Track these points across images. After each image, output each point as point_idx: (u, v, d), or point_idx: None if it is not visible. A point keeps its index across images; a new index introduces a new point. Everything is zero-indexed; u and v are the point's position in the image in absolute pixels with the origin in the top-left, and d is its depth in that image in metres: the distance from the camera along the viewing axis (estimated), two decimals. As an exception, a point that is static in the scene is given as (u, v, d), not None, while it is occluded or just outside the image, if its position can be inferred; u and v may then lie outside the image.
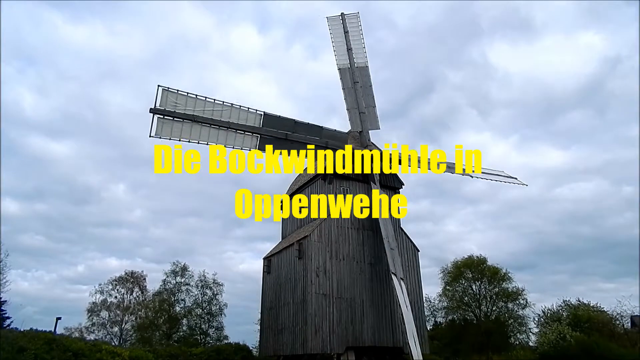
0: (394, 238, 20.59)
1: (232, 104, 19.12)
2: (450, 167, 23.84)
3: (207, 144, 18.52)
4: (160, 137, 17.63)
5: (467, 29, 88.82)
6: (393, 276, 18.56)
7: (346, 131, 23.92)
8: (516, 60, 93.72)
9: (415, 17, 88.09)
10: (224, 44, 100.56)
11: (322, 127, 21.34)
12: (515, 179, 25.40)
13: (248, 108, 19.43)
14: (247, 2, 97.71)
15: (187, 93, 18.24)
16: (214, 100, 18.82)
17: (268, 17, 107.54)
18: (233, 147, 18.98)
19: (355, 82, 23.65)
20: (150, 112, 17.40)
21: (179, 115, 17.96)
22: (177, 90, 17.97)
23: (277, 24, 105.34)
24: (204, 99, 18.58)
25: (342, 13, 25.48)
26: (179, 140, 18.06)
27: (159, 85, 17.45)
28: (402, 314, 17.56)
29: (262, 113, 19.67)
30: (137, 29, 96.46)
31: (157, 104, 17.41)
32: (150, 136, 17.38)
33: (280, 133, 20.00)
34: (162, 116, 17.67)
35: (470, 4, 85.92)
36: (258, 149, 19.39)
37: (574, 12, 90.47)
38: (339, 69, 24.22)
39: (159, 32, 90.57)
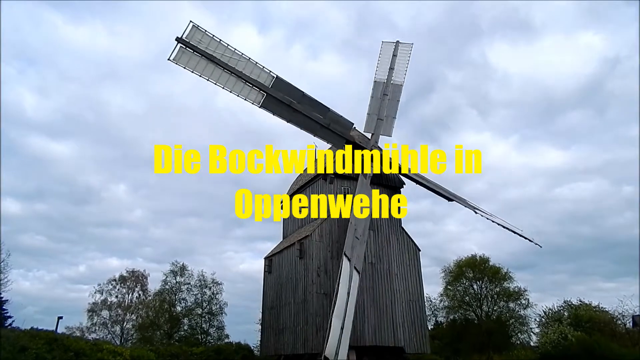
0: (364, 233, 19.67)
1: (249, 57, 19.98)
2: (462, 200, 24.01)
3: (215, 84, 19.38)
4: (176, 63, 18.83)
5: (467, 30, 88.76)
6: (345, 259, 17.71)
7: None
8: (516, 61, 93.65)
9: (415, 18, 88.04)
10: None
11: (329, 108, 21.36)
12: (530, 240, 24.85)
13: (263, 67, 20.18)
14: (247, 2, 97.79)
15: (213, 35, 19.48)
16: (235, 49, 19.80)
17: (268, 18, 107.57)
18: (238, 95, 19.67)
19: (385, 94, 24.32)
20: (175, 40, 18.72)
21: (200, 52, 19.13)
22: (205, 30, 19.31)
23: (277, 24, 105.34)
24: (226, 45, 19.69)
25: (397, 41, 26.64)
26: (192, 72, 19.04)
27: (190, 21, 19.02)
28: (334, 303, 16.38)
29: (275, 75, 20.26)
30: (137, 29, 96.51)
31: (184, 36, 18.80)
32: (168, 59, 18.73)
33: (286, 99, 20.29)
34: (184, 47, 18.95)
35: (470, 4, 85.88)
36: (261, 106, 19.88)
37: (573, 12, 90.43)
38: (375, 81, 25.26)
39: (159, 33, 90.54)
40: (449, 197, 23.67)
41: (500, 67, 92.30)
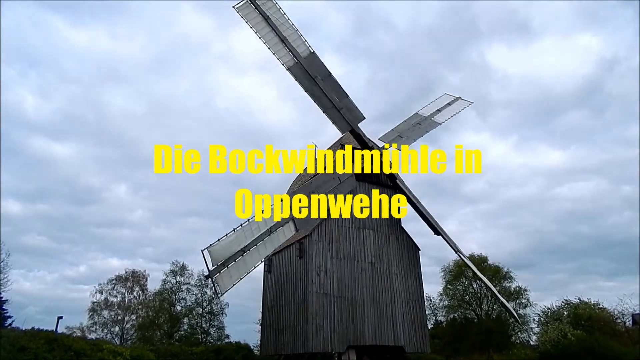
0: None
1: (297, 29, 21.76)
2: (449, 238, 23.12)
3: (260, 37, 20.86)
4: (238, 12, 20.97)
5: (466, 31, 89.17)
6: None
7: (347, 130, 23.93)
8: (514, 62, 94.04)
9: (414, 19, 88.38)
10: (224, 46, 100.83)
11: (348, 95, 22.05)
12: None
13: (305, 40, 21.69)
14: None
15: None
16: (288, 18, 21.67)
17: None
18: (274, 54, 21.02)
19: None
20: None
21: (260, 10, 21.09)
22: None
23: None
24: (282, 12, 21.66)
25: (459, 97, 26.12)
26: (246, 22, 20.96)
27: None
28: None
29: (312, 51, 21.74)
30: (138, 32, 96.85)
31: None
32: (233, 7, 20.71)
33: (312, 72, 21.39)
34: (249, 1, 20.96)
35: (469, 6, 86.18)
36: (288, 69, 21.09)
37: (571, 14, 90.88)
38: (417, 113, 24.59)
39: (160, 35, 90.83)
40: (437, 230, 22.71)
41: (499, 68, 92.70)
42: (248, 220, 17.70)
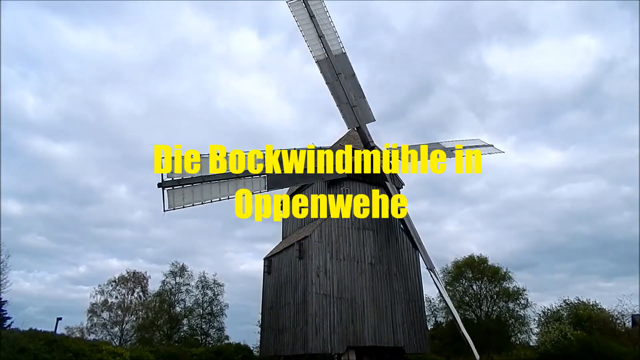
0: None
1: (336, 30, 23.27)
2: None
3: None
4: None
5: (464, 33, 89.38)
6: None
7: (347, 130, 24.00)
8: (513, 63, 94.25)
9: (413, 21, 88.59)
10: (224, 47, 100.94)
11: (365, 96, 23.13)
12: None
13: (340, 40, 22.98)
14: (247, 7, 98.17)
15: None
16: (330, 19, 23.04)
17: (268, 22, 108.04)
18: (308, 45, 22.22)
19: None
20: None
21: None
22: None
23: (277, 29, 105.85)
24: (325, 11, 22.97)
25: None
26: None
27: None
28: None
29: (344, 52, 22.98)
30: (138, 33, 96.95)
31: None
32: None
33: (338, 68, 22.50)
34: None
35: (467, 7, 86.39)
36: (317, 61, 22.24)
37: (569, 16, 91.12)
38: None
39: (160, 36, 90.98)
40: (418, 248, 21.18)
41: (497, 69, 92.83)
42: (225, 157, 18.98)
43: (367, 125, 22.83)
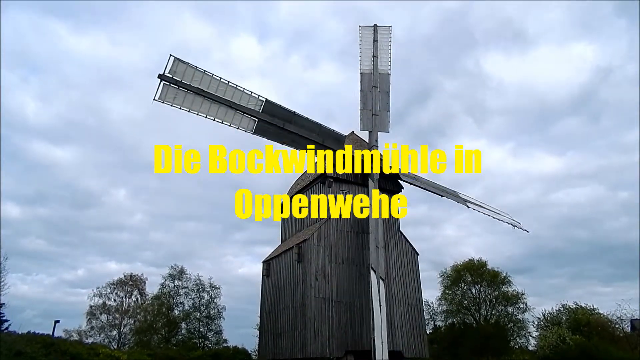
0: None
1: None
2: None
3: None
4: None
5: (462, 40, 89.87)
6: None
7: (347, 133, 23.98)
8: (510, 70, 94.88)
9: (411, 29, 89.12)
10: (224, 53, 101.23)
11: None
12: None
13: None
14: (247, 13, 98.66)
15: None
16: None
17: (267, 28, 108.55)
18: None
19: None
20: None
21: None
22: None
23: (276, 35, 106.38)
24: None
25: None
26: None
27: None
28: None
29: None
30: (139, 39, 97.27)
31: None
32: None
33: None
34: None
35: (465, 15, 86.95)
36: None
37: (565, 24, 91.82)
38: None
39: (160, 42, 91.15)
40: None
41: (495, 76, 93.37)
42: (228, 82, 19.24)
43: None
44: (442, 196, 23.57)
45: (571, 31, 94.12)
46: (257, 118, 19.72)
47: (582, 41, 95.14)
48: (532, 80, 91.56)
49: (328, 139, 21.36)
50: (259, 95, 19.84)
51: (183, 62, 18.41)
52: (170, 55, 18.13)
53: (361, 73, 24.27)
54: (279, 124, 20.13)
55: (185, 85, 18.46)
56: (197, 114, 18.71)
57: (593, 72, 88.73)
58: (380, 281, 18.17)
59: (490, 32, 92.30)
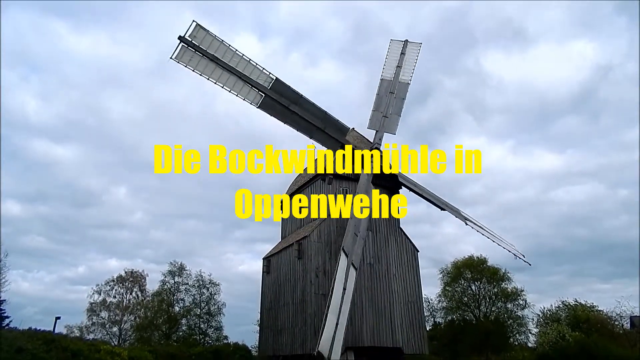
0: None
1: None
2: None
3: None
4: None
5: (462, 39, 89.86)
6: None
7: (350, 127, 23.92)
8: (510, 68, 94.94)
9: (411, 27, 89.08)
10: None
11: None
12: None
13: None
14: (248, 12, 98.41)
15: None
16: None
17: (267, 27, 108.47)
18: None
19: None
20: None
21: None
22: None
23: (277, 33, 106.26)
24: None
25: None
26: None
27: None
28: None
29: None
30: (139, 38, 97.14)
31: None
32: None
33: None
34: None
35: (465, 14, 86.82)
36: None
37: (565, 22, 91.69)
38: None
39: (161, 41, 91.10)
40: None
41: (495, 74, 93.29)
42: (242, 55, 19.77)
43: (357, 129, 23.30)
44: (442, 209, 23.08)
45: (571, 30, 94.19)
46: (264, 93, 20.03)
47: (582, 39, 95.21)
48: (532, 79, 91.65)
49: (331, 127, 21.36)
50: (269, 73, 20.14)
51: (204, 29, 19.19)
52: (193, 20, 19.06)
53: (382, 79, 25.05)
54: (285, 103, 20.30)
55: (202, 51, 19.16)
56: (208, 79, 19.32)
57: (593, 70, 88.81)
58: (352, 268, 17.24)
59: (490, 31, 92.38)
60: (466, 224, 22.70)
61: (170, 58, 18.69)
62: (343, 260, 17.06)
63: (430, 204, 23.35)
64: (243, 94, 19.79)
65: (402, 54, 25.85)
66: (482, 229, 23.24)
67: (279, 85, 20.28)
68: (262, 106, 20.00)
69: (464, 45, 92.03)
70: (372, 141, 23.47)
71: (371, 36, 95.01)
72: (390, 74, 25.07)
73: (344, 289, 16.34)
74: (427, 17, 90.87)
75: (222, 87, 19.46)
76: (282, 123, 20.34)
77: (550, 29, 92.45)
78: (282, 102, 20.25)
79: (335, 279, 16.43)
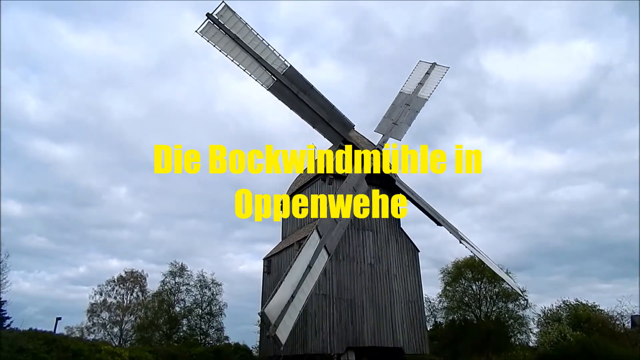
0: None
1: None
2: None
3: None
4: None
5: (462, 38, 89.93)
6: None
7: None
8: (510, 68, 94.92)
9: (411, 27, 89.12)
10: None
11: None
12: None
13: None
14: (248, 12, 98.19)
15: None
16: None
17: (268, 27, 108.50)
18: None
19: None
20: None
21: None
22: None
23: (277, 33, 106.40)
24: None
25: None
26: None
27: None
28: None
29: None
30: (139, 37, 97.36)
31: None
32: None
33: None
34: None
35: (465, 14, 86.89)
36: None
37: (565, 22, 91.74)
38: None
39: (161, 40, 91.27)
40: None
41: (495, 74, 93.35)
42: (262, 39, 20.64)
43: (357, 129, 23.02)
44: (439, 224, 22.75)
45: (571, 29, 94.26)
46: (276, 78, 20.67)
47: (582, 39, 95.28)
48: (532, 79, 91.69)
49: (335, 121, 21.63)
50: (285, 60, 21.00)
51: (231, 10, 20.21)
52: (223, 1, 20.07)
53: (400, 92, 25.49)
54: (295, 90, 20.90)
55: (225, 29, 20.23)
56: (226, 56, 20.32)
57: (593, 70, 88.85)
58: (324, 252, 16.63)
59: (490, 30, 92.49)
60: (460, 242, 22.37)
61: (196, 31, 19.88)
62: (314, 238, 16.62)
63: (430, 208, 23.20)
64: (256, 75, 20.63)
65: (427, 73, 26.20)
66: (478, 252, 22.93)
67: (292, 72, 21.04)
68: (272, 89, 20.67)
69: (464, 45, 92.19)
70: (374, 143, 23.50)
71: (371, 36, 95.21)
72: (410, 89, 25.51)
73: (309, 267, 15.63)
74: (427, 17, 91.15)
75: (238, 65, 20.43)
76: (289, 108, 20.93)
77: (550, 29, 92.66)
78: (292, 88, 20.87)
79: (300, 252, 15.85)
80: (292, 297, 14.69)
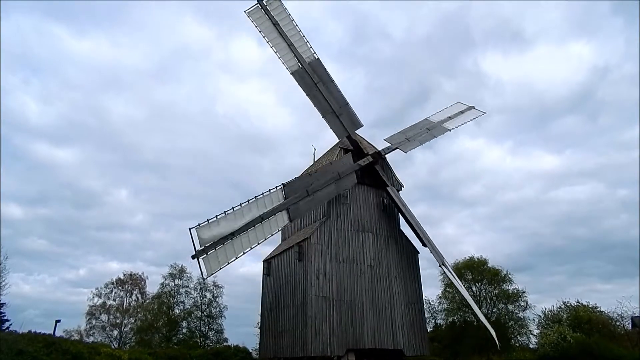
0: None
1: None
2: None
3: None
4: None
5: (460, 40, 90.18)
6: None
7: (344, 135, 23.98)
8: (508, 69, 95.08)
9: (409, 29, 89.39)
10: (224, 54, 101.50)
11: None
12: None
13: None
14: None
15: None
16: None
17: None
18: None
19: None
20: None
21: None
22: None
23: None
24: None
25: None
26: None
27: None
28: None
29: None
30: (140, 40, 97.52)
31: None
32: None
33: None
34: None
35: (463, 15, 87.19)
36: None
37: (563, 23, 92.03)
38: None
39: (161, 43, 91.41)
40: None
41: (493, 75, 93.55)
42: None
43: (358, 131, 22.84)
44: (424, 245, 21.76)
45: (569, 30, 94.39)
46: (301, 65, 21.64)
47: (579, 40, 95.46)
48: (531, 79, 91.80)
49: (345, 116, 21.81)
50: (315, 52, 22.12)
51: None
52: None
53: (427, 119, 25.62)
54: (315, 80, 21.69)
55: (270, 15, 21.72)
56: (263, 37, 21.74)
57: (591, 71, 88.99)
58: (285, 213, 17.48)
59: (488, 32, 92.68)
60: (440, 266, 21.49)
61: (244, 11, 21.54)
62: (278, 196, 17.79)
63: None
64: (284, 59, 21.75)
65: (461, 112, 26.25)
66: (456, 280, 22.54)
67: (317, 64, 22.06)
68: (295, 74, 21.65)
69: (462, 46, 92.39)
70: (359, 147, 23.16)
71: (370, 38, 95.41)
72: (437, 119, 25.60)
73: (262, 218, 17.09)
74: (426, 18, 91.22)
75: (271, 47, 21.75)
76: (305, 94, 21.65)
77: (548, 30, 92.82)
78: (313, 77, 21.71)
79: (257, 198, 17.19)
80: (233, 235, 15.69)
